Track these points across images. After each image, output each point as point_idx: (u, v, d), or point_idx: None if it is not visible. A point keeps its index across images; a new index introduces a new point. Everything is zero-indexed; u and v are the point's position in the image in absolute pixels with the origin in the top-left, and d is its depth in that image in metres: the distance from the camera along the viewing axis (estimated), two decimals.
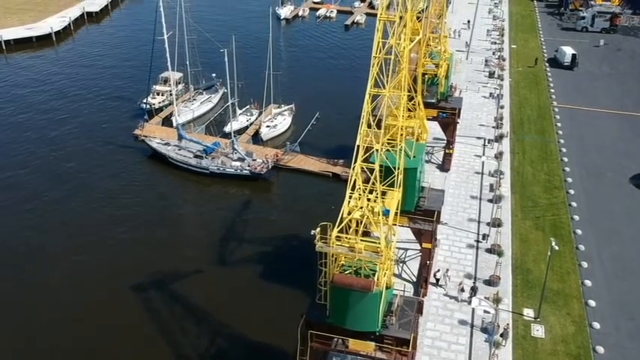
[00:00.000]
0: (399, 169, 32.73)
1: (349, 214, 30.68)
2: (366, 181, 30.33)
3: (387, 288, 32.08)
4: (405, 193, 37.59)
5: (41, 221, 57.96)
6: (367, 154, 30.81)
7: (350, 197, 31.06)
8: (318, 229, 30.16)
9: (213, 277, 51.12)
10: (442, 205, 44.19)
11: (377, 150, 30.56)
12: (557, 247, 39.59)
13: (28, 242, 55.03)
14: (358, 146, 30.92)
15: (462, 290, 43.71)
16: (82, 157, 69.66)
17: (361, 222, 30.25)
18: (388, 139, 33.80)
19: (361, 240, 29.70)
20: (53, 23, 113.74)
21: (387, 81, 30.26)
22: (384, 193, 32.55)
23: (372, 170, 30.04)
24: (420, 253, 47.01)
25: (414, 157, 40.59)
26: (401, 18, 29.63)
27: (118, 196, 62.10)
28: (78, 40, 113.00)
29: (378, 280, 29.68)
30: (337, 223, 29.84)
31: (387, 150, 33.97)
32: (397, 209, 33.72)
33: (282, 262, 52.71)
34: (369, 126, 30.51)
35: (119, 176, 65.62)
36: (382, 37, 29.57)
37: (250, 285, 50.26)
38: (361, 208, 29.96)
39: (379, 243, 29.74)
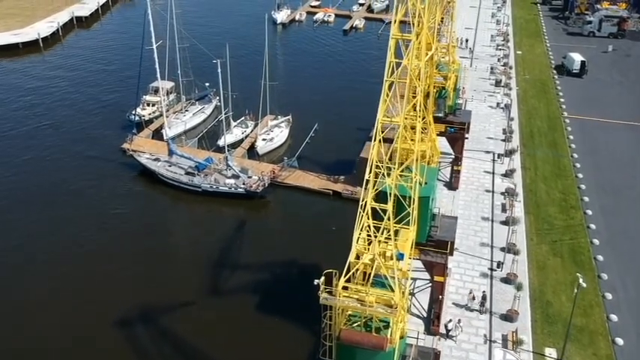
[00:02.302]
0: (413, 202, 28.90)
1: (357, 258, 26.75)
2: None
3: (400, 337, 28.28)
4: (417, 224, 33.83)
5: (18, 243, 53.86)
6: (378, 189, 26.98)
7: (358, 238, 27.17)
8: (322, 279, 26.22)
9: (205, 309, 47.07)
10: (455, 234, 40.30)
11: (389, 185, 26.72)
12: (584, 285, 35.80)
13: (5, 263, 51.13)
14: (367, 180, 27.08)
15: (473, 299, 41.73)
16: (66, 172, 65.52)
17: (371, 268, 26.40)
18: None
19: (372, 291, 25.81)
20: (41, 29, 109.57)
21: (400, 107, 26.37)
22: (396, 232, 28.73)
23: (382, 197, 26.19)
24: (430, 284, 43.29)
25: (426, 183, 36.73)
26: (417, 35, 25.72)
27: (103, 217, 58.02)
28: (66, 46, 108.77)
29: (391, 336, 25.82)
30: (344, 272, 25.93)
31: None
32: (412, 250, 29.88)
33: (280, 292, 48.72)
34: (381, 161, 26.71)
35: (105, 194, 61.49)
36: (395, 56, 25.63)
37: (245, 318, 46.20)
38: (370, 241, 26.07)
39: (392, 293, 25.90)
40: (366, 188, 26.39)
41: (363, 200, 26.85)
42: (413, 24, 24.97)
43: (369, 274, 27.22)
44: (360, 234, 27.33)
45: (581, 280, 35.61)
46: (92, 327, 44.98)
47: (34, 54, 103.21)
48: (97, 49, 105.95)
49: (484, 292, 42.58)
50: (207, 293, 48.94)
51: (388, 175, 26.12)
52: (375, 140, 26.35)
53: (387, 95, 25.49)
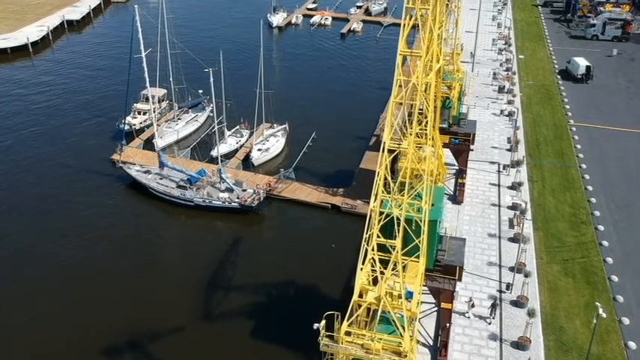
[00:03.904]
0: (423, 233, 26.25)
1: (360, 296, 24.09)
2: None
3: None
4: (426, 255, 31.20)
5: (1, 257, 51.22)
6: (386, 219, 24.30)
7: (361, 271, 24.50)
8: (323, 323, 23.51)
9: (195, 332, 44.26)
10: (463, 258, 37.65)
11: (397, 216, 24.05)
12: (604, 315, 33.22)
13: None
14: (371, 211, 24.41)
15: (473, 306, 40.66)
16: (52, 184, 62.71)
17: (377, 308, 23.75)
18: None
19: (378, 336, 23.13)
20: (30, 33, 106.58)
21: (408, 128, 23.71)
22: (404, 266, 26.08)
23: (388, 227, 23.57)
24: (436, 308, 40.71)
25: (433, 205, 34.06)
26: (427, 48, 23.07)
27: (90, 232, 55.19)
28: (57, 51, 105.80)
29: None
30: (347, 315, 23.25)
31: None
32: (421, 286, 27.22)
33: (276, 315, 45.95)
34: (387, 184, 24.05)
35: (93, 208, 58.63)
36: (402, 73, 22.95)
37: (238, 343, 43.41)
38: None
39: (400, 338, 23.25)
40: (369, 219, 23.72)
41: (367, 232, 24.16)
42: (423, 39, 22.29)
43: (374, 310, 24.63)
44: (363, 268, 24.64)
45: (600, 311, 33.06)
46: (76, 350, 42.19)
47: (23, 59, 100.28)
48: (88, 54, 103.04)
49: (495, 299, 41.54)
50: (198, 315, 46.11)
51: (397, 205, 23.40)
52: (380, 166, 23.67)
53: (394, 116, 22.80)
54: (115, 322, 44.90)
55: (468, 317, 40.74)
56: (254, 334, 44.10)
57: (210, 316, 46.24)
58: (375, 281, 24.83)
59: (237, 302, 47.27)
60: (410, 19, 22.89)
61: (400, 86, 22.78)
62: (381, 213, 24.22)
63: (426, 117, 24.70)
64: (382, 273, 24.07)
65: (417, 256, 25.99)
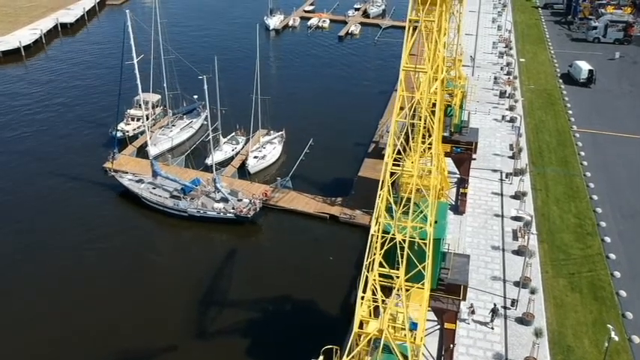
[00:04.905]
0: (428, 257, 24.64)
1: (361, 327, 22.46)
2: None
3: None
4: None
5: None
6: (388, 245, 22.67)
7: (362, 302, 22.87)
8: (321, 358, 21.87)
9: (188, 352, 42.60)
10: (468, 276, 36.02)
11: (400, 241, 22.42)
12: (616, 338, 31.66)
13: None
14: (372, 236, 22.79)
15: (473, 312, 40.20)
16: (42, 193, 60.91)
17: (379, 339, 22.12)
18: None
19: None
20: (22, 36, 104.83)
21: (412, 147, 22.06)
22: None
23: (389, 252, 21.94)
24: (438, 327, 39.17)
25: (436, 222, 32.40)
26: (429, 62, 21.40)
27: (80, 244, 53.44)
28: (50, 54, 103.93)
29: None
30: (347, 350, 21.63)
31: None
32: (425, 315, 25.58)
33: (273, 332, 44.28)
34: (390, 209, 22.43)
35: (83, 219, 56.85)
36: (406, 89, 21.31)
37: None
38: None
39: None
40: (369, 247, 22.08)
41: (367, 258, 22.53)
42: (428, 57, 20.65)
43: (376, 339, 23.02)
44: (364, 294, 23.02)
45: (613, 334, 31.49)
46: None
47: (14, 63, 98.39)
48: (81, 58, 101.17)
49: (495, 304, 40.88)
50: (190, 332, 44.30)
51: (400, 230, 21.74)
52: (382, 189, 22.04)
53: (397, 136, 21.15)
54: (104, 339, 43.15)
55: (468, 323, 40.07)
56: (249, 353, 42.39)
57: (203, 334, 44.48)
58: (376, 310, 23.21)
59: (231, 319, 45.51)
60: (413, 32, 21.22)
61: (402, 108, 21.11)
62: (382, 236, 22.58)
63: (430, 135, 23.08)
64: (384, 302, 22.43)
65: (421, 282, 24.36)
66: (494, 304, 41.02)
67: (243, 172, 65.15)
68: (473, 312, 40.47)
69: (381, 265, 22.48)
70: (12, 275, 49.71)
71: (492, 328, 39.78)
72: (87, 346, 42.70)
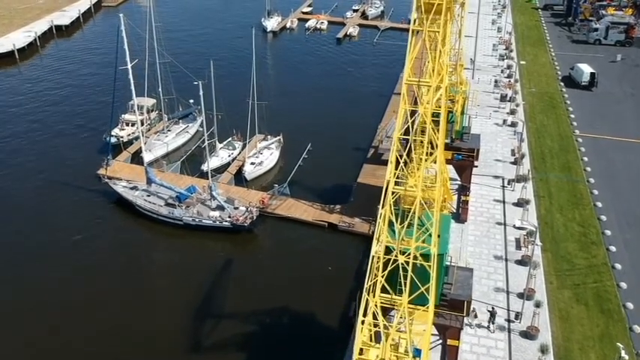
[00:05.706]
0: (433, 274, 23.41)
1: (361, 353, 21.23)
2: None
3: None
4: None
5: None
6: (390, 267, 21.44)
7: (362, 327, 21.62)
8: None
9: None
10: (471, 291, 34.78)
11: (402, 263, 21.18)
12: (626, 357, 30.45)
13: None
14: (372, 257, 21.57)
15: (475, 316, 40.17)
16: (34, 201, 59.67)
17: None
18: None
19: None
20: (17, 39, 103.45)
21: (416, 164, 20.82)
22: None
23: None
24: (440, 341, 37.89)
25: (439, 236, 31.15)
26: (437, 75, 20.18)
27: (73, 253, 52.20)
28: (44, 57, 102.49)
29: None
30: None
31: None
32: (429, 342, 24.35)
33: (269, 345, 43.09)
34: (391, 223, 21.20)
35: (75, 227, 55.40)
36: (409, 103, 20.10)
37: None
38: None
39: None
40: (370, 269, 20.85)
41: (368, 281, 21.31)
42: (432, 69, 19.43)
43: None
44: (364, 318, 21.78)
45: (623, 353, 30.30)
46: None
47: (8, 66, 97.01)
48: (76, 61, 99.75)
49: (493, 307, 40.73)
50: (185, 344, 43.09)
51: (402, 252, 20.52)
52: (383, 207, 20.81)
53: (399, 152, 19.93)
54: (96, 346, 41.89)
55: (472, 327, 39.92)
56: None
57: (198, 345, 43.26)
58: (377, 334, 21.98)
59: (227, 331, 44.30)
60: (416, 44, 20.05)
61: (405, 117, 19.96)
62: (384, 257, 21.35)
63: (433, 148, 21.86)
64: (386, 327, 21.21)
65: (425, 305, 23.14)
66: (492, 307, 40.72)
67: (239, 178, 63.91)
68: (475, 316, 40.34)
69: (383, 287, 21.27)
70: (6, 279, 48.72)
71: (493, 331, 39.56)
72: (78, 347, 41.46)
